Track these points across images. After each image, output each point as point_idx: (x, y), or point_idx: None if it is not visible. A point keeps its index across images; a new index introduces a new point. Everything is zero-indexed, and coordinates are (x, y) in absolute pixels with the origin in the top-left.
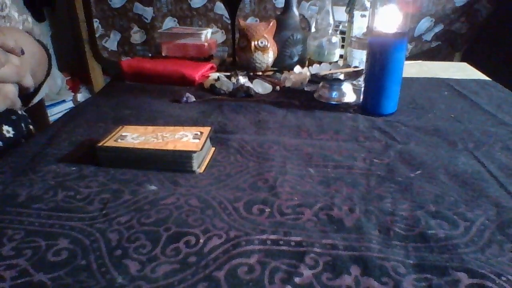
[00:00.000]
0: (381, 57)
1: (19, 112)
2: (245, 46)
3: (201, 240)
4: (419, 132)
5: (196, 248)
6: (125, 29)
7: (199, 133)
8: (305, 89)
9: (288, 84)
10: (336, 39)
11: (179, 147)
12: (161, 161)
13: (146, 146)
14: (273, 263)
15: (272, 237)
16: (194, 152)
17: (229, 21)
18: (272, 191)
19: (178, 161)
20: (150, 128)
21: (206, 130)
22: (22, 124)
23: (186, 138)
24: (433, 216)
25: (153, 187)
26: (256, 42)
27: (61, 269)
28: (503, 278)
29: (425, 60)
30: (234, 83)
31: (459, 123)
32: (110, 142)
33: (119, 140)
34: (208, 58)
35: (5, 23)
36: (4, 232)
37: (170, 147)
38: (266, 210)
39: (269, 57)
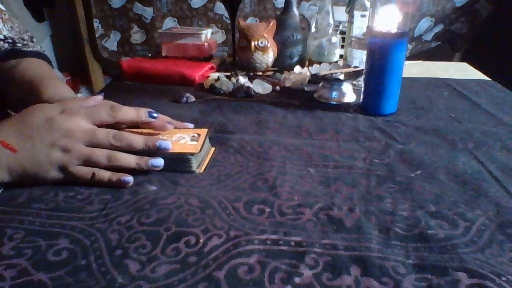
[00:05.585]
0: (381, 57)
1: None
2: (245, 46)
3: (201, 240)
4: (419, 132)
5: (196, 248)
6: (125, 29)
7: (196, 135)
8: (305, 89)
9: (288, 84)
10: (336, 39)
11: (177, 149)
12: None
13: None
14: (273, 263)
15: (272, 237)
16: (192, 154)
17: (229, 21)
18: (272, 191)
19: (177, 163)
20: (146, 130)
21: (204, 131)
22: None
23: (183, 141)
24: (433, 216)
25: (153, 187)
26: (256, 42)
27: (61, 269)
28: (503, 278)
29: (425, 60)
30: (234, 83)
31: (459, 123)
32: None
33: None
34: (208, 58)
35: None
36: (4, 231)
37: None
38: (266, 210)
39: (269, 57)
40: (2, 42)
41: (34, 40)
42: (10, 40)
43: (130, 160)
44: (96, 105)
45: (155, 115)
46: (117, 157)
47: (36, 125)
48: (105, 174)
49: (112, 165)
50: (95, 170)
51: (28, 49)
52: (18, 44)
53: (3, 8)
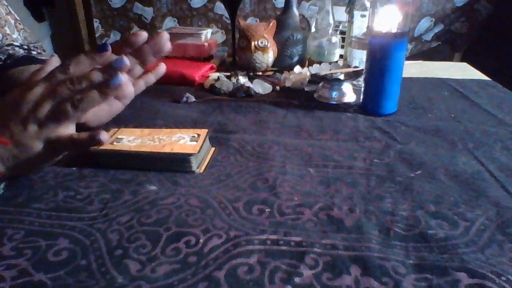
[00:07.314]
0: (381, 57)
1: None
2: (245, 46)
3: (201, 240)
4: (419, 132)
5: (196, 248)
6: (125, 29)
7: (196, 135)
8: (305, 89)
9: (288, 84)
10: (336, 39)
11: (176, 149)
12: (160, 163)
13: (142, 149)
14: (273, 263)
15: (272, 237)
16: (191, 154)
17: (229, 21)
18: (272, 191)
19: (177, 163)
20: (146, 130)
21: (204, 132)
22: None
23: (183, 141)
24: (433, 216)
25: (153, 187)
26: (256, 42)
27: (61, 269)
28: (503, 278)
29: (425, 60)
30: (234, 83)
31: (459, 123)
32: (105, 145)
33: (115, 143)
34: (208, 58)
35: None
36: (4, 232)
37: (167, 149)
38: (266, 210)
39: (269, 57)
40: (18, 48)
41: (46, 50)
42: (25, 47)
43: (93, 95)
44: (52, 71)
45: (106, 47)
46: (82, 99)
47: (5, 110)
48: (82, 135)
49: (80, 108)
50: (73, 134)
51: (42, 58)
52: (33, 52)
53: (17, 17)
